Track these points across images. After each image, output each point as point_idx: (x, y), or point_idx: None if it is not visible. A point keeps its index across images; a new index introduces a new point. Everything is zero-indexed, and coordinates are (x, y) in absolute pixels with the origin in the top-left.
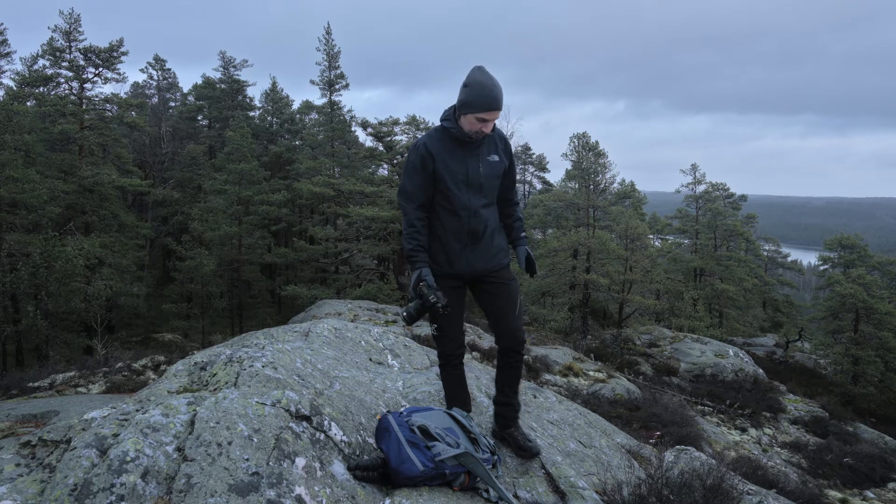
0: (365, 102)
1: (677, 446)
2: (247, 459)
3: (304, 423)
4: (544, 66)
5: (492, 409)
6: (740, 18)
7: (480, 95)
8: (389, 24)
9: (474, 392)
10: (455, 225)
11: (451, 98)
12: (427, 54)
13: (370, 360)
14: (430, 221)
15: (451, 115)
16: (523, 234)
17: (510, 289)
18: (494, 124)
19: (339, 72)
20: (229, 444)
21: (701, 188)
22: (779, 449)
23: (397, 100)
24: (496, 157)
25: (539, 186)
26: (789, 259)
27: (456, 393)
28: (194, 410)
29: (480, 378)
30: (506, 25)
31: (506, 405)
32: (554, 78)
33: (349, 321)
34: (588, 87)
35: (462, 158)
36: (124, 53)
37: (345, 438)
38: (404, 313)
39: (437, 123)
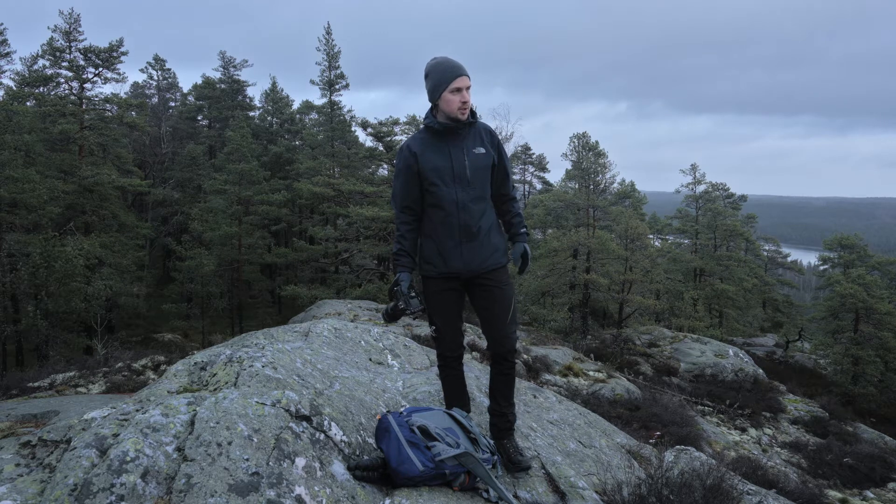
0: (370, 104)
1: (677, 446)
2: (247, 459)
3: (304, 423)
4: (546, 68)
5: None
6: (739, 22)
7: (444, 71)
8: (394, 27)
9: (474, 392)
10: (446, 221)
11: None
12: (430, 55)
13: (370, 360)
14: (422, 223)
15: (429, 113)
16: (523, 229)
17: (504, 293)
18: (476, 112)
19: (339, 72)
20: (229, 444)
21: (701, 188)
22: (779, 449)
23: (401, 100)
24: (482, 150)
25: (539, 186)
26: (789, 259)
27: (455, 393)
28: (194, 410)
29: (480, 378)
30: (508, 27)
31: (499, 415)
32: (556, 79)
33: (349, 321)
34: (590, 88)
35: (446, 152)
36: (124, 53)
37: (345, 438)
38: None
39: None
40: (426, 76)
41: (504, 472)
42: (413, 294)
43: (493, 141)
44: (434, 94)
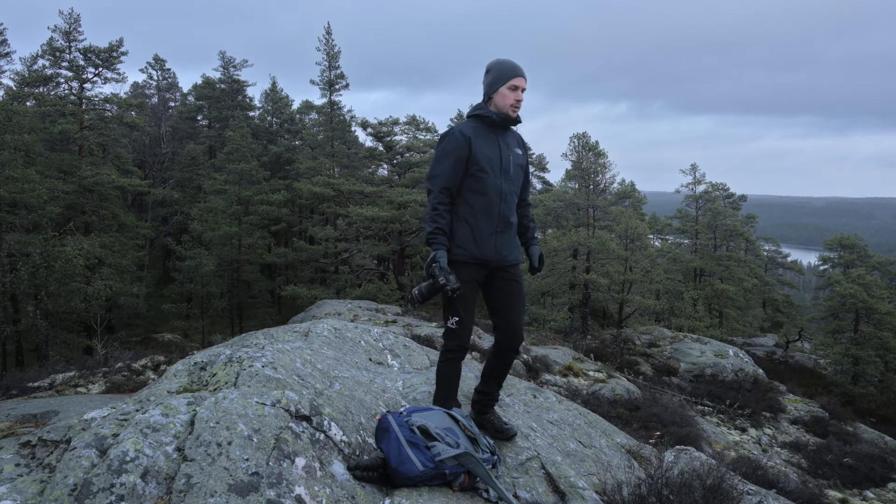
0: (371, 105)
1: (677, 446)
2: (247, 459)
3: (304, 423)
4: (547, 69)
5: None
6: (739, 23)
7: (505, 69)
8: (395, 29)
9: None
10: (487, 208)
11: (457, 99)
12: (434, 57)
13: (370, 360)
14: (458, 207)
15: (483, 105)
16: (537, 234)
17: (521, 289)
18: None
19: (339, 72)
20: (229, 444)
21: (701, 188)
22: (779, 449)
23: (405, 101)
24: (520, 151)
25: (539, 186)
26: (789, 259)
27: (454, 387)
28: (194, 410)
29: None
30: (510, 29)
31: (487, 395)
32: (557, 80)
33: (349, 321)
34: (590, 88)
35: (495, 144)
36: (124, 53)
37: (345, 438)
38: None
39: (440, 124)
40: (487, 71)
41: (504, 471)
42: (451, 270)
43: (524, 147)
44: (492, 87)
